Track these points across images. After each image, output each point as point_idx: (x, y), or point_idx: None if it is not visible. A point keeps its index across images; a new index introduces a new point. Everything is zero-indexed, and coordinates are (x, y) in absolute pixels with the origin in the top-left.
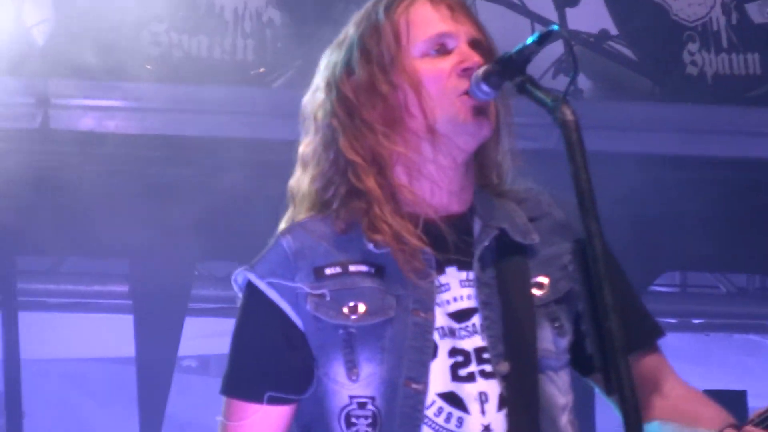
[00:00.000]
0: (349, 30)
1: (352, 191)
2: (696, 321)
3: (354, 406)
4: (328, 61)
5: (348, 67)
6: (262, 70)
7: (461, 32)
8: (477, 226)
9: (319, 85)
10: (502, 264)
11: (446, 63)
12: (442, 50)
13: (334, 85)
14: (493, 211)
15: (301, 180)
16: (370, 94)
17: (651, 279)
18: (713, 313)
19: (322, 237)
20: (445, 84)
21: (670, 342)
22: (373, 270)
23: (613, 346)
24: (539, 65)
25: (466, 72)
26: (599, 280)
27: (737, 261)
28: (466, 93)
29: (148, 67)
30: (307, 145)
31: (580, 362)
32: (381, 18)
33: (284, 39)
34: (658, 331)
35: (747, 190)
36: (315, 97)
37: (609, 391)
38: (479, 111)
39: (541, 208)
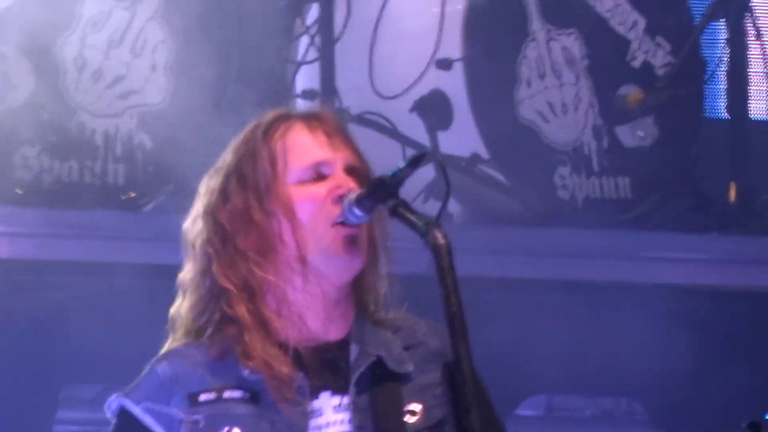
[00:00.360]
0: (227, 156)
1: (225, 318)
2: None
3: None
4: (206, 188)
5: (224, 194)
6: (132, 194)
7: (338, 159)
8: (354, 352)
9: (198, 211)
10: (377, 390)
11: (321, 189)
12: (318, 177)
13: (210, 213)
14: (371, 338)
15: (180, 306)
16: (245, 222)
17: (516, 403)
18: None
19: (197, 363)
20: (318, 210)
21: None
22: (248, 395)
23: None
24: (410, 189)
25: (341, 198)
26: (467, 403)
27: (603, 384)
28: (340, 222)
29: (18, 191)
30: (186, 273)
31: None
32: (258, 144)
33: (155, 163)
34: None
35: (615, 313)
36: (194, 224)
37: None
38: (351, 241)
39: (416, 336)
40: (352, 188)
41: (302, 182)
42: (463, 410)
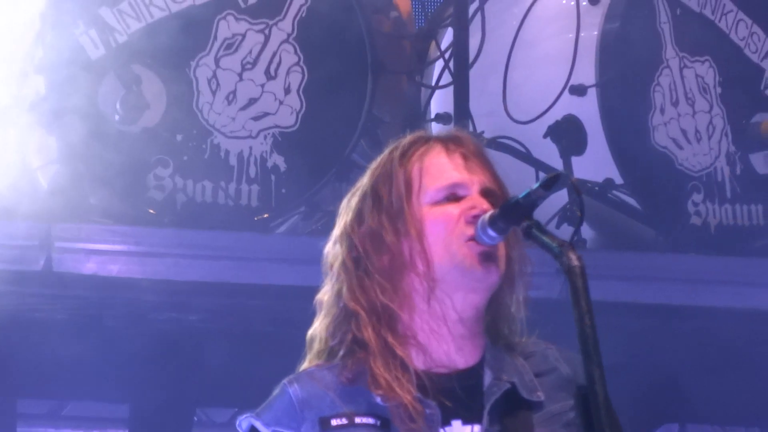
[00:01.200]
0: (365, 178)
1: (357, 340)
2: None
3: None
4: (345, 209)
5: (359, 216)
6: (266, 215)
7: (474, 181)
8: (487, 379)
9: (336, 233)
10: (508, 419)
11: (455, 208)
12: (453, 198)
13: (345, 234)
14: (503, 364)
15: (316, 328)
16: (377, 243)
17: (650, 430)
18: None
19: (329, 387)
20: (452, 229)
21: None
22: (379, 423)
23: None
24: (543, 214)
25: (474, 219)
26: (601, 427)
27: (737, 414)
28: (473, 239)
29: (152, 211)
30: (323, 294)
31: None
32: (395, 166)
33: (288, 184)
34: None
35: (748, 342)
36: (333, 246)
37: None
38: (487, 257)
39: (548, 362)
40: (486, 209)
41: (436, 203)
42: None
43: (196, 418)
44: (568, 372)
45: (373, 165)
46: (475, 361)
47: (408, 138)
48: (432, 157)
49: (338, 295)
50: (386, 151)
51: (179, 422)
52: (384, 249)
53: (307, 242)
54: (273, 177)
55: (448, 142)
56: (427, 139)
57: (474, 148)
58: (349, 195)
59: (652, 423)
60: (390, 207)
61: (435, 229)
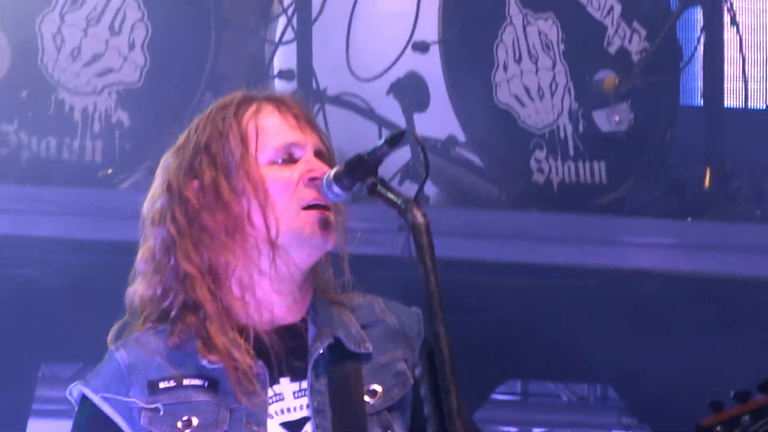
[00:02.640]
0: (191, 134)
1: (188, 301)
2: (537, 430)
3: None
4: (168, 165)
5: (191, 172)
6: (110, 171)
7: (308, 142)
8: (311, 333)
9: (160, 189)
10: (336, 372)
11: (293, 172)
12: (289, 159)
13: (175, 190)
14: (329, 319)
15: (138, 287)
16: (213, 200)
17: (492, 387)
18: (554, 422)
19: (156, 351)
20: (291, 193)
21: None
22: (206, 383)
23: None
24: (387, 171)
25: (313, 182)
26: (447, 384)
27: (578, 370)
28: (312, 205)
29: None
30: (145, 253)
31: None
32: (228, 123)
33: (132, 140)
34: None
35: (590, 299)
36: (155, 202)
37: None
38: (324, 224)
39: (375, 314)
40: (324, 171)
41: (273, 163)
42: (444, 391)
43: (41, 374)
44: (395, 323)
45: (200, 122)
46: (301, 316)
47: (235, 96)
48: (266, 116)
49: (168, 252)
50: (212, 109)
51: (24, 377)
52: (220, 206)
53: None
54: (117, 133)
55: (278, 102)
56: (257, 98)
57: (303, 109)
58: (171, 151)
59: (495, 379)
60: (226, 164)
61: (274, 191)
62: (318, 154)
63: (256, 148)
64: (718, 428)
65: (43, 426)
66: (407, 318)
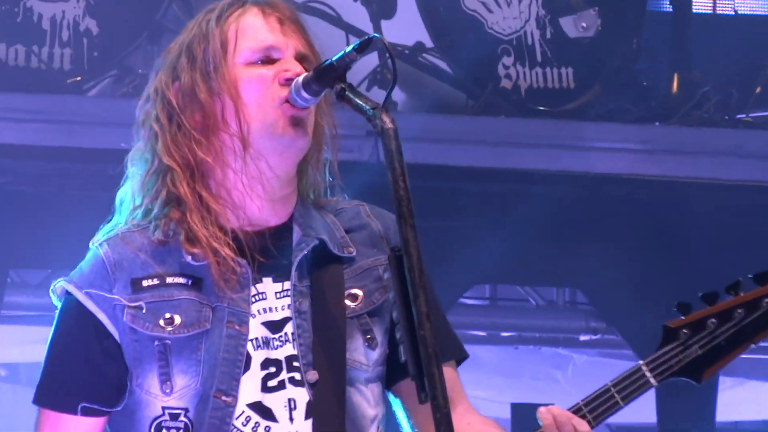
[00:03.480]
0: (180, 38)
1: (171, 197)
2: (505, 334)
3: (167, 417)
4: (158, 68)
5: (173, 73)
6: (78, 78)
7: (289, 45)
8: (296, 236)
9: (149, 92)
10: (318, 274)
11: (270, 70)
12: (267, 60)
13: (158, 91)
14: (313, 222)
15: (127, 186)
16: (190, 100)
17: (461, 291)
18: (522, 326)
19: (140, 248)
20: (265, 91)
21: (479, 354)
22: (190, 282)
23: (428, 353)
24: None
25: (288, 82)
26: (415, 288)
27: (546, 274)
28: (286, 102)
29: None
30: (134, 152)
31: (390, 369)
32: (211, 26)
33: (100, 48)
34: (461, 353)
35: (558, 204)
36: (145, 102)
37: (421, 399)
38: (297, 122)
39: (360, 218)
40: (300, 72)
41: (251, 63)
42: (413, 295)
43: (9, 280)
44: (379, 228)
45: (189, 26)
46: (285, 219)
47: (224, 0)
48: (248, 18)
49: (152, 151)
50: (202, 13)
51: None
52: (197, 106)
53: (119, 104)
54: (85, 41)
55: (264, 5)
56: (244, 2)
57: (290, 13)
58: (162, 55)
59: (463, 285)
60: (204, 65)
61: (249, 89)
62: (300, 58)
63: (235, 49)
64: (684, 330)
65: (11, 331)
66: (391, 223)
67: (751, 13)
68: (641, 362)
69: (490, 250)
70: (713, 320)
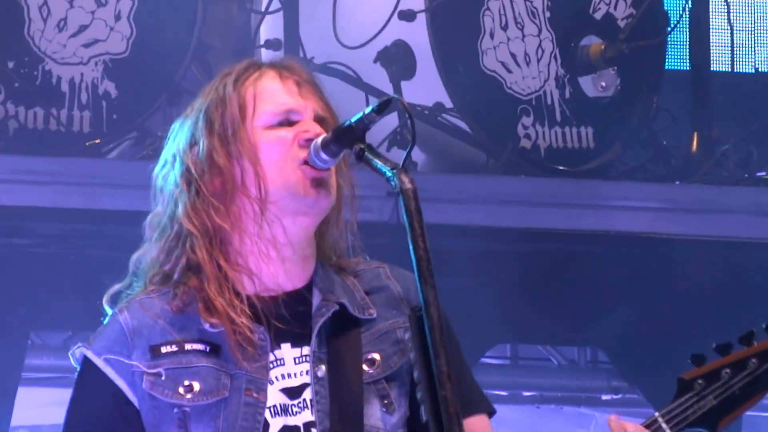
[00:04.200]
0: (197, 102)
1: (191, 264)
2: (527, 393)
3: None
4: (175, 133)
5: (192, 139)
6: (97, 141)
7: (307, 107)
8: (316, 300)
9: (167, 156)
10: (337, 339)
11: (289, 132)
12: (286, 123)
13: (178, 157)
14: (333, 285)
15: (145, 252)
16: (209, 166)
17: (482, 351)
18: (544, 385)
19: (159, 315)
20: (285, 153)
21: (501, 414)
22: (208, 348)
23: (449, 413)
24: (374, 138)
25: (308, 142)
26: (435, 348)
27: (567, 334)
28: (306, 163)
29: None
30: (153, 217)
31: (412, 428)
32: (229, 90)
33: (119, 110)
34: (489, 407)
35: (579, 262)
36: (163, 168)
37: None
38: (319, 183)
39: (380, 280)
40: (319, 133)
41: (270, 127)
42: (433, 355)
43: (30, 342)
44: (399, 290)
45: (206, 90)
46: (304, 283)
47: (241, 64)
48: (266, 82)
49: (170, 217)
50: (218, 77)
51: (13, 345)
52: (216, 171)
53: (138, 167)
54: (104, 103)
55: (281, 68)
56: (260, 66)
57: (306, 75)
58: (179, 119)
59: (485, 344)
60: (222, 130)
61: (268, 152)
62: (318, 119)
63: (254, 113)
64: (699, 381)
65: (32, 394)
66: (412, 285)
67: None
68: (657, 414)
69: (512, 309)
70: (727, 370)
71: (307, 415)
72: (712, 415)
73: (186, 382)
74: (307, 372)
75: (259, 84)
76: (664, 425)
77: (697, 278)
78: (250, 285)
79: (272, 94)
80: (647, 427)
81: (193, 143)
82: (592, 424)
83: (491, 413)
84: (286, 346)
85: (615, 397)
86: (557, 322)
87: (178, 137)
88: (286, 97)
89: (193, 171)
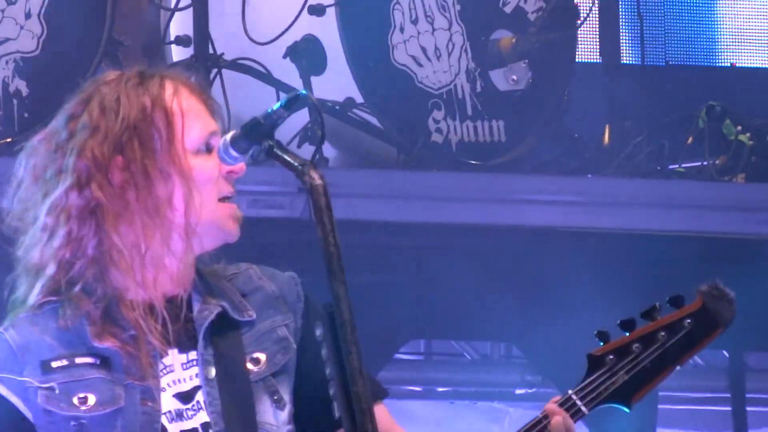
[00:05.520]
0: (107, 103)
1: (91, 277)
2: (441, 389)
3: None
4: (77, 124)
5: (116, 146)
6: (9, 140)
7: (220, 130)
8: (197, 305)
9: (69, 145)
10: (221, 341)
11: (215, 166)
12: (209, 148)
13: (97, 159)
14: (211, 289)
15: (40, 247)
16: (140, 179)
17: (396, 347)
18: (458, 380)
19: (45, 331)
20: (212, 186)
21: (414, 410)
22: (98, 361)
23: (362, 409)
24: (284, 134)
25: (230, 175)
26: (348, 344)
27: (481, 328)
28: (227, 198)
29: None
30: (53, 209)
31: (322, 424)
32: (152, 102)
33: (31, 109)
34: (383, 392)
35: (491, 257)
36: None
37: None
38: (236, 218)
39: (252, 282)
40: (242, 167)
41: (198, 152)
42: (345, 351)
43: None
44: (273, 289)
45: (111, 93)
46: (185, 289)
47: (155, 73)
48: (186, 98)
49: (84, 221)
50: (124, 80)
51: None
52: (145, 186)
53: None
54: (15, 101)
55: (191, 86)
56: (170, 77)
57: (208, 92)
58: (72, 107)
59: (398, 340)
60: (152, 145)
61: (199, 181)
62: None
63: (183, 134)
64: (610, 356)
65: None
66: (285, 283)
67: (682, 63)
68: (570, 391)
69: (425, 305)
70: (637, 345)
71: (203, 416)
72: (625, 390)
73: (81, 395)
74: (196, 375)
75: (181, 100)
76: (578, 402)
77: (611, 271)
78: (134, 293)
79: (196, 114)
80: (561, 405)
81: (117, 151)
82: (506, 419)
83: (384, 396)
84: (173, 352)
85: (529, 391)
86: (470, 317)
87: (91, 136)
88: (208, 119)
89: (119, 181)
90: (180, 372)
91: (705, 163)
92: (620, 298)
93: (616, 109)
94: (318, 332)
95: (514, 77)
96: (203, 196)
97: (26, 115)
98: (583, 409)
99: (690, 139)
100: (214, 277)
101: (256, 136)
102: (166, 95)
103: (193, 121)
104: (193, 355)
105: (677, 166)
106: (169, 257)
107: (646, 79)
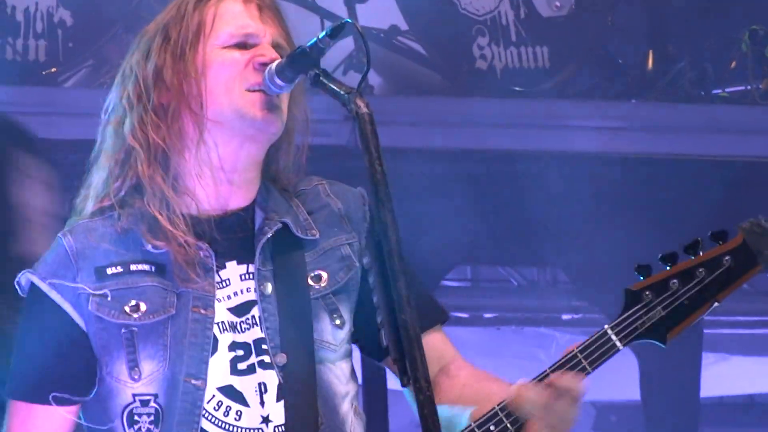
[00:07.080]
0: (157, 18)
1: (137, 185)
2: (487, 315)
3: (137, 404)
4: (132, 50)
5: (146, 54)
6: (54, 70)
7: (266, 32)
8: (259, 219)
9: (123, 69)
10: (281, 257)
11: (243, 55)
12: (242, 46)
13: (131, 71)
14: (276, 205)
15: (92, 174)
16: (159, 81)
17: (442, 273)
18: (504, 306)
19: (103, 237)
20: (236, 74)
21: (461, 336)
22: (153, 268)
23: (409, 337)
24: (329, 62)
25: (263, 66)
26: (395, 272)
27: (528, 254)
28: (259, 89)
29: None
30: (104, 127)
31: (371, 350)
32: (189, 9)
33: (75, 39)
34: (444, 315)
35: (536, 183)
36: (117, 86)
37: (404, 382)
38: (270, 107)
39: (320, 199)
40: (275, 58)
41: (226, 47)
42: (392, 279)
43: None
44: (339, 206)
45: (168, 7)
46: (247, 203)
47: None
48: (228, 4)
49: (118, 131)
50: None
51: None
52: (164, 88)
53: (95, 95)
54: (60, 32)
55: None
56: None
57: (269, 1)
58: (138, 37)
59: (445, 266)
60: (176, 46)
61: (219, 71)
62: (275, 45)
63: (211, 32)
64: (647, 292)
65: None
66: (353, 201)
67: None
68: (606, 326)
69: (471, 232)
70: (675, 281)
71: (257, 332)
72: (662, 326)
73: (132, 302)
74: (253, 289)
75: (222, 5)
76: (614, 337)
77: (655, 197)
78: (193, 204)
79: (233, 15)
80: (596, 340)
81: (146, 58)
82: (553, 345)
83: (444, 320)
84: (231, 264)
85: (575, 316)
86: (517, 243)
87: (134, 51)
88: (246, 19)
89: (142, 85)
90: (237, 284)
91: (748, 87)
92: (667, 225)
93: (658, 34)
94: (365, 260)
95: (558, 3)
96: (225, 86)
97: (71, 45)
98: (618, 344)
99: (733, 63)
100: (285, 193)
101: (301, 65)
102: (211, 2)
103: (226, 22)
104: (251, 268)
105: (720, 91)
106: (203, 159)
107: (689, 2)
